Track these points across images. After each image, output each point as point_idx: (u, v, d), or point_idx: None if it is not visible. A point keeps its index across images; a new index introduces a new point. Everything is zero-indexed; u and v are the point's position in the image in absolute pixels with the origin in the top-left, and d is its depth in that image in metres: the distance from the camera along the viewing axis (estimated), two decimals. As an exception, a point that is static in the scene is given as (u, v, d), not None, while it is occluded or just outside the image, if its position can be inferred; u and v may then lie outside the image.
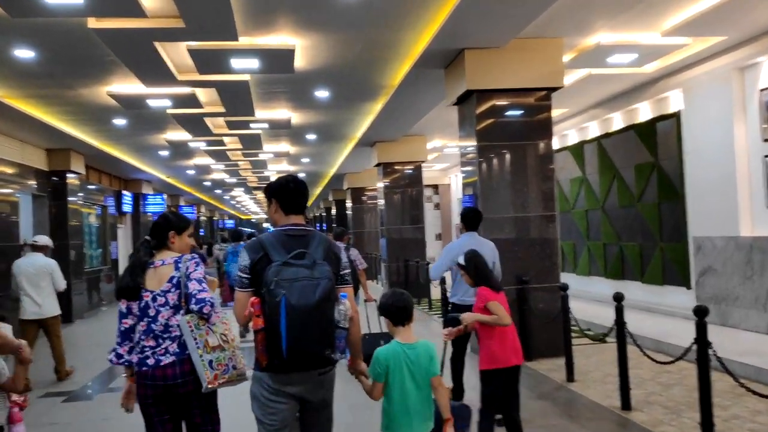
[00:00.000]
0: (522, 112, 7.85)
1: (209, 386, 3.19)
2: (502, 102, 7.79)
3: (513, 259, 7.66)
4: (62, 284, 7.84)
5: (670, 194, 9.91)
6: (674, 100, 9.72)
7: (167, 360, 3.28)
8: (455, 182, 23.01)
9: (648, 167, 10.43)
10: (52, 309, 7.74)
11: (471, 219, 5.91)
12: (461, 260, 4.61)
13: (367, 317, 6.73)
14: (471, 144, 7.95)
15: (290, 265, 2.81)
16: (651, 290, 10.53)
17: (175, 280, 3.39)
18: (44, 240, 8.11)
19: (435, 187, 23.98)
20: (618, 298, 5.55)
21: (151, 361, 3.28)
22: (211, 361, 3.22)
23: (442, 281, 8.79)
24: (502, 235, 7.70)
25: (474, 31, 7.07)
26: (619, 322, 5.52)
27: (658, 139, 10.19)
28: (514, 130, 7.84)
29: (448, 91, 8.39)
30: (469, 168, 8.14)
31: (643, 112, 10.54)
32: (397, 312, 3.21)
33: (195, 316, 3.27)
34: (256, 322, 2.79)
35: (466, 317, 4.36)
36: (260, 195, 34.21)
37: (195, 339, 3.21)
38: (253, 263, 2.91)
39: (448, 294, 6.05)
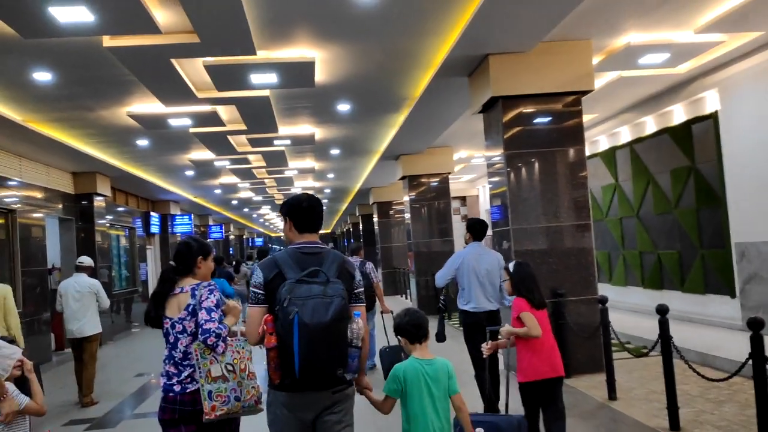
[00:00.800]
0: (551, 117, 7.55)
1: (206, 417, 3.15)
2: (529, 108, 7.50)
3: (547, 271, 7.34)
4: (106, 303, 8.12)
5: (710, 199, 9.48)
6: (710, 101, 9.31)
7: (193, 387, 3.30)
8: (483, 193, 22.66)
9: (685, 171, 10.01)
10: (93, 328, 7.93)
11: (477, 229, 6.15)
12: (510, 266, 4.61)
13: (385, 329, 7.21)
14: (498, 153, 7.66)
15: (304, 282, 2.78)
16: (692, 300, 10.06)
17: (190, 308, 3.40)
18: (88, 261, 8.35)
19: (463, 198, 23.65)
20: (662, 310, 5.19)
21: (177, 388, 3.32)
22: (210, 392, 3.19)
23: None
24: (535, 246, 7.39)
25: (498, 35, 6.82)
26: (664, 336, 5.15)
27: (694, 142, 9.77)
28: (544, 137, 7.53)
29: (473, 99, 8.13)
30: (496, 178, 7.85)
31: (678, 114, 10.13)
32: (412, 330, 3.26)
33: (202, 345, 3.25)
34: (268, 340, 2.76)
35: (504, 331, 4.43)
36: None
37: (199, 368, 3.23)
38: (267, 280, 2.89)
39: (458, 302, 6.17)
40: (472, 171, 19.98)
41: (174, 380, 3.33)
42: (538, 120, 7.54)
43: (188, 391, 3.29)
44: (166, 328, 3.41)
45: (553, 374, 4.35)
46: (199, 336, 3.24)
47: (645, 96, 10.45)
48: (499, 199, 7.74)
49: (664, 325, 5.18)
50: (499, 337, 4.54)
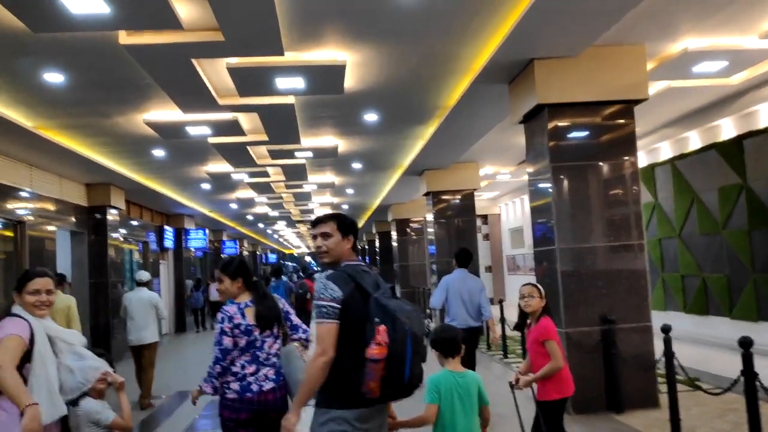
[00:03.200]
0: (601, 127, 6.96)
1: None
2: (577, 117, 6.92)
3: (595, 295, 6.73)
4: (164, 314, 9.07)
5: (764, 220, 8.80)
6: (765, 114, 8.67)
7: (268, 386, 3.74)
8: (506, 212, 22.02)
9: (735, 190, 9.35)
10: (152, 336, 8.81)
11: (462, 258, 7.23)
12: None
13: None
14: (542, 166, 7.08)
15: (392, 298, 2.92)
16: (742, 327, 9.34)
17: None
18: (146, 276, 9.25)
19: (484, 217, 22.99)
20: (745, 343, 4.55)
21: (255, 387, 3.71)
22: None
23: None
24: (582, 267, 6.77)
25: (545, 38, 6.27)
26: (749, 373, 4.51)
27: (746, 158, 9.12)
28: (593, 148, 6.94)
29: (514, 108, 7.55)
30: (540, 193, 7.25)
31: (726, 128, 9.50)
32: (445, 344, 3.56)
33: (299, 344, 3.93)
34: (380, 351, 2.75)
35: (523, 383, 4.48)
36: (303, 228, 33.69)
37: (304, 361, 3.70)
38: (347, 295, 2.90)
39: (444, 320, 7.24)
40: (495, 188, 19.37)
41: (250, 379, 3.72)
42: (586, 130, 6.96)
43: (264, 389, 3.72)
44: (255, 335, 3.77)
45: (572, 392, 4.54)
46: (302, 335, 4.00)
47: (690, 109, 9.83)
48: (544, 216, 7.13)
49: (748, 360, 4.53)
50: (519, 386, 4.55)
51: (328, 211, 23.86)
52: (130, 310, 8.75)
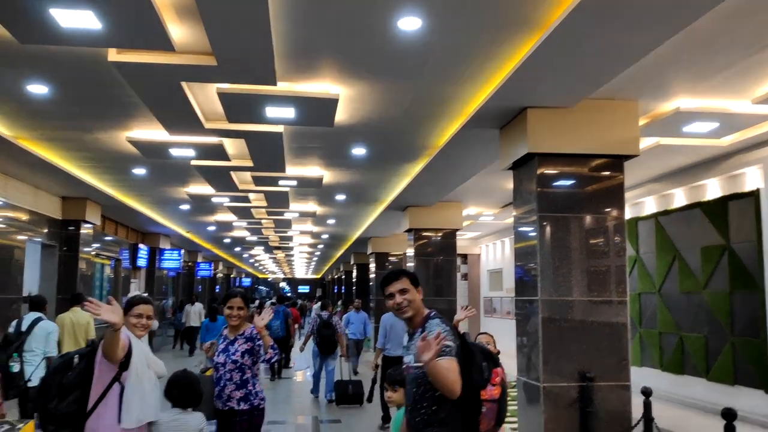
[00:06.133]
0: (590, 180, 6.89)
1: None
2: (567, 168, 6.86)
3: (576, 351, 6.57)
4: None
5: (746, 282, 8.78)
6: (751, 178, 8.72)
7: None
8: (486, 253, 21.96)
9: (717, 250, 9.34)
10: None
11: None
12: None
13: (341, 368, 11.38)
14: (529, 214, 6.99)
15: None
16: (718, 390, 9.27)
17: None
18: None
19: (464, 256, 22.90)
20: (730, 414, 4.43)
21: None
22: None
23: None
24: (565, 321, 6.63)
25: (540, 89, 6.22)
26: (731, 447, 4.38)
27: (729, 220, 9.14)
28: (581, 200, 6.87)
29: (504, 154, 7.49)
30: (525, 241, 7.14)
31: (712, 188, 9.53)
32: (402, 381, 3.66)
33: None
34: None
35: None
36: (281, 254, 33.35)
37: None
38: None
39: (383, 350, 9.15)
40: (477, 229, 19.33)
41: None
42: (575, 181, 6.90)
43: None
44: None
45: None
46: None
47: (677, 167, 9.87)
48: (528, 266, 7.02)
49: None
50: None
51: (308, 239, 23.65)
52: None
